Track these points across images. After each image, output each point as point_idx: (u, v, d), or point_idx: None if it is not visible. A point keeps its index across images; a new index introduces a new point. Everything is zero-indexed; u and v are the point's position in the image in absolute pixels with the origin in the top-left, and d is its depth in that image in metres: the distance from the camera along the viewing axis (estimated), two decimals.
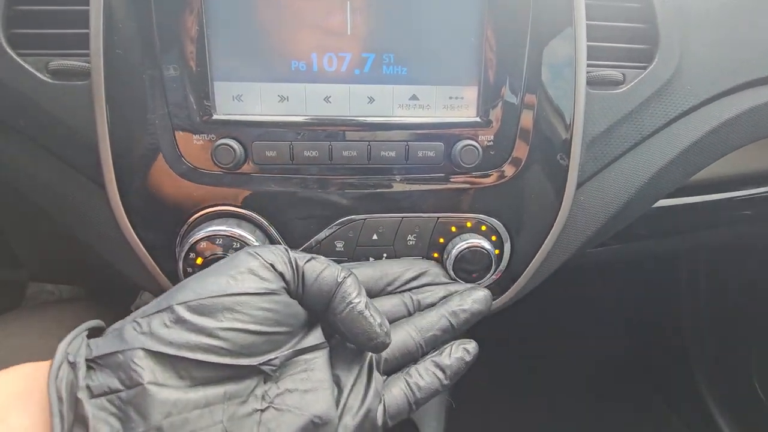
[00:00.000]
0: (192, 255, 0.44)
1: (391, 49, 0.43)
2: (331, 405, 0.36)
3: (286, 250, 0.37)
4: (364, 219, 0.47)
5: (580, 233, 0.53)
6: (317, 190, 0.46)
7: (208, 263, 0.44)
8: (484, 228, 0.48)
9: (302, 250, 0.47)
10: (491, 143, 0.46)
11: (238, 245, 0.44)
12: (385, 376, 0.40)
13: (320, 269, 0.37)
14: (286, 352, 0.35)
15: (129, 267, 0.49)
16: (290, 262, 0.36)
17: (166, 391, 0.30)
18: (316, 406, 0.34)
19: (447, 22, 0.43)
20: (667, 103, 0.51)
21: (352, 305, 0.37)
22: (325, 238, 0.47)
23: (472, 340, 0.44)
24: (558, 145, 0.47)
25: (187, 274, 0.45)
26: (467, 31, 0.43)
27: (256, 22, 0.42)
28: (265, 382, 0.34)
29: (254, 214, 0.46)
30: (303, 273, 0.37)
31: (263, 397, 0.34)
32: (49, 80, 0.45)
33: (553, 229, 0.50)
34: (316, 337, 0.37)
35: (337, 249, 0.47)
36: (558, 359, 1.27)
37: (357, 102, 0.44)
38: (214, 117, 0.43)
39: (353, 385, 0.38)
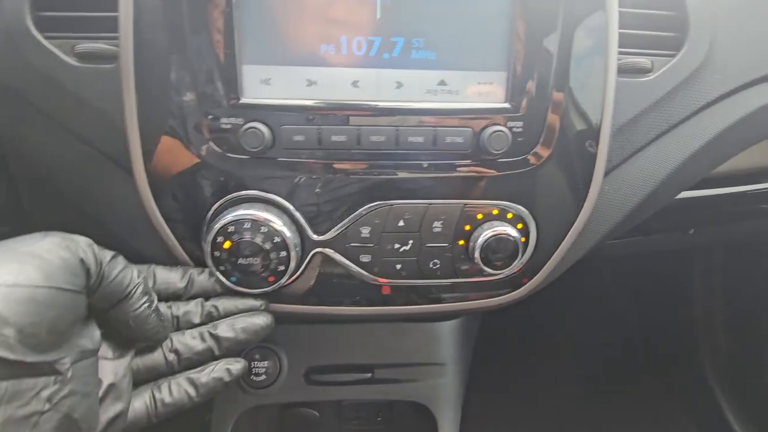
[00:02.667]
0: (219, 239, 0.44)
1: (420, 33, 0.43)
2: (98, 410, 0.37)
3: (91, 244, 0.36)
4: (391, 205, 0.47)
5: (605, 222, 0.53)
6: (344, 176, 0.46)
7: (235, 247, 0.44)
8: (510, 216, 0.48)
9: (328, 237, 0.47)
10: (520, 130, 0.45)
11: (266, 230, 0.44)
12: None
13: (119, 269, 0.37)
14: (75, 352, 0.34)
15: (156, 253, 0.49)
16: (96, 258, 0.35)
17: None
18: (86, 410, 0.35)
19: (477, 6, 0.43)
20: (696, 92, 0.51)
21: (145, 305, 0.39)
22: (351, 224, 0.47)
23: (241, 360, 0.44)
24: (587, 133, 0.47)
25: (214, 259, 0.45)
26: (497, 16, 0.43)
27: (285, 4, 0.42)
28: (54, 383, 0.33)
29: (281, 199, 0.46)
30: (104, 271, 0.36)
31: (49, 399, 0.32)
32: (76, 63, 0.45)
33: (579, 217, 0.49)
34: (94, 339, 0.37)
35: (362, 235, 0.47)
36: (568, 353, 1.26)
37: (385, 87, 0.44)
38: (242, 101, 0.43)
39: (111, 393, 0.38)
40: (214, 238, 0.44)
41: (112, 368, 0.39)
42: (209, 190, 0.45)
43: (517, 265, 0.49)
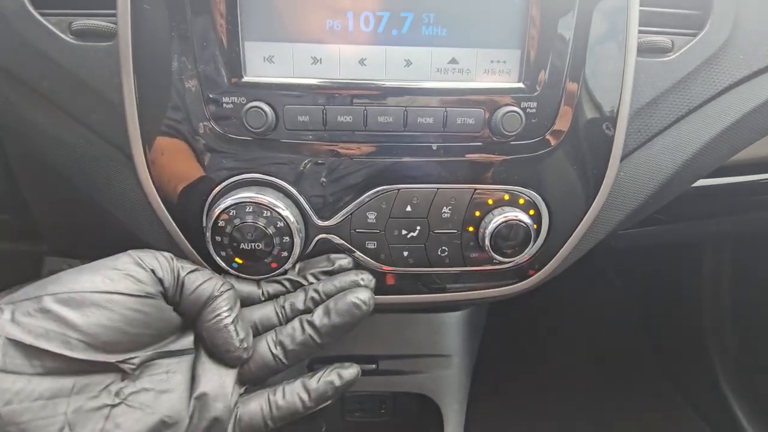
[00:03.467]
0: (221, 223, 0.42)
1: (431, 8, 0.41)
2: (184, 407, 0.38)
3: (172, 258, 0.39)
4: (398, 189, 0.45)
5: (620, 210, 0.51)
6: (349, 158, 0.44)
7: (236, 232, 0.42)
8: (522, 201, 0.46)
9: (333, 222, 0.46)
10: (534, 110, 0.43)
11: (269, 213, 0.42)
12: (245, 386, 0.42)
13: (200, 281, 0.40)
14: (148, 353, 0.37)
15: (154, 238, 0.47)
16: (172, 270, 0.38)
17: (11, 379, 0.31)
18: (168, 406, 0.37)
19: None
20: (717, 73, 0.48)
21: (219, 318, 0.39)
22: (356, 209, 0.45)
23: (353, 365, 0.44)
24: (604, 115, 0.45)
25: (215, 244, 0.43)
26: None
27: None
28: (122, 380, 0.36)
29: (284, 183, 0.44)
30: (183, 282, 0.39)
31: (117, 394, 0.35)
32: (73, 41, 0.44)
33: (593, 204, 0.47)
34: (184, 342, 0.40)
35: (368, 221, 0.46)
36: (576, 347, 1.25)
37: (393, 65, 0.42)
38: (244, 79, 0.41)
39: (210, 392, 0.39)
40: (215, 222, 0.42)
41: (214, 372, 0.40)
42: (210, 172, 0.44)
43: (528, 253, 0.47)
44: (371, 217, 0.46)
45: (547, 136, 0.44)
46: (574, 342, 1.26)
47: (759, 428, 1.03)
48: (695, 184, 0.59)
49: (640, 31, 0.45)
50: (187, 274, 0.39)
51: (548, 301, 1.18)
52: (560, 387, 1.15)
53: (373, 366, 0.70)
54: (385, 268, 0.48)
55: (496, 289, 0.52)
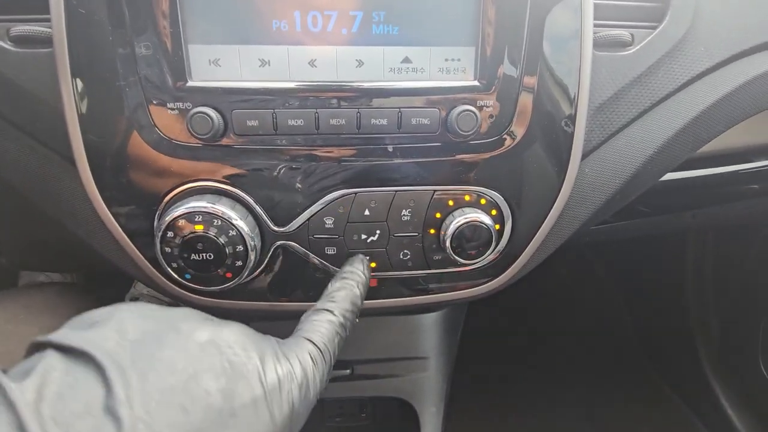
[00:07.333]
0: (170, 234, 0.41)
1: (381, 6, 0.39)
2: None
3: None
4: (355, 193, 0.44)
5: (586, 207, 0.50)
6: (303, 163, 0.43)
7: (186, 243, 0.41)
8: (483, 201, 0.45)
9: (290, 229, 0.44)
10: (491, 109, 0.42)
11: (219, 223, 0.41)
12: None
13: None
14: None
15: (107, 249, 0.46)
16: None
17: None
18: None
19: None
20: (679, 66, 0.48)
21: None
22: (313, 214, 0.44)
23: None
24: (563, 111, 0.44)
25: (165, 255, 0.42)
26: None
27: None
28: None
29: (236, 190, 0.43)
30: None
31: None
32: (11, 48, 0.42)
33: (557, 202, 0.47)
34: None
35: (326, 226, 0.44)
36: (558, 344, 1.25)
37: (345, 66, 0.41)
38: (189, 84, 0.40)
39: None
40: (164, 233, 0.41)
41: None
42: (158, 181, 0.42)
43: (492, 254, 0.46)
44: (329, 222, 0.44)
45: (506, 135, 0.43)
46: (557, 337, 1.26)
47: (743, 414, 1.04)
48: (664, 178, 0.58)
49: (599, 25, 0.44)
50: None
51: (530, 295, 1.18)
52: (543, 383, 1.15)
53: (347, 372, 0.69)
54: None
55: (468, 290, 0.51)
